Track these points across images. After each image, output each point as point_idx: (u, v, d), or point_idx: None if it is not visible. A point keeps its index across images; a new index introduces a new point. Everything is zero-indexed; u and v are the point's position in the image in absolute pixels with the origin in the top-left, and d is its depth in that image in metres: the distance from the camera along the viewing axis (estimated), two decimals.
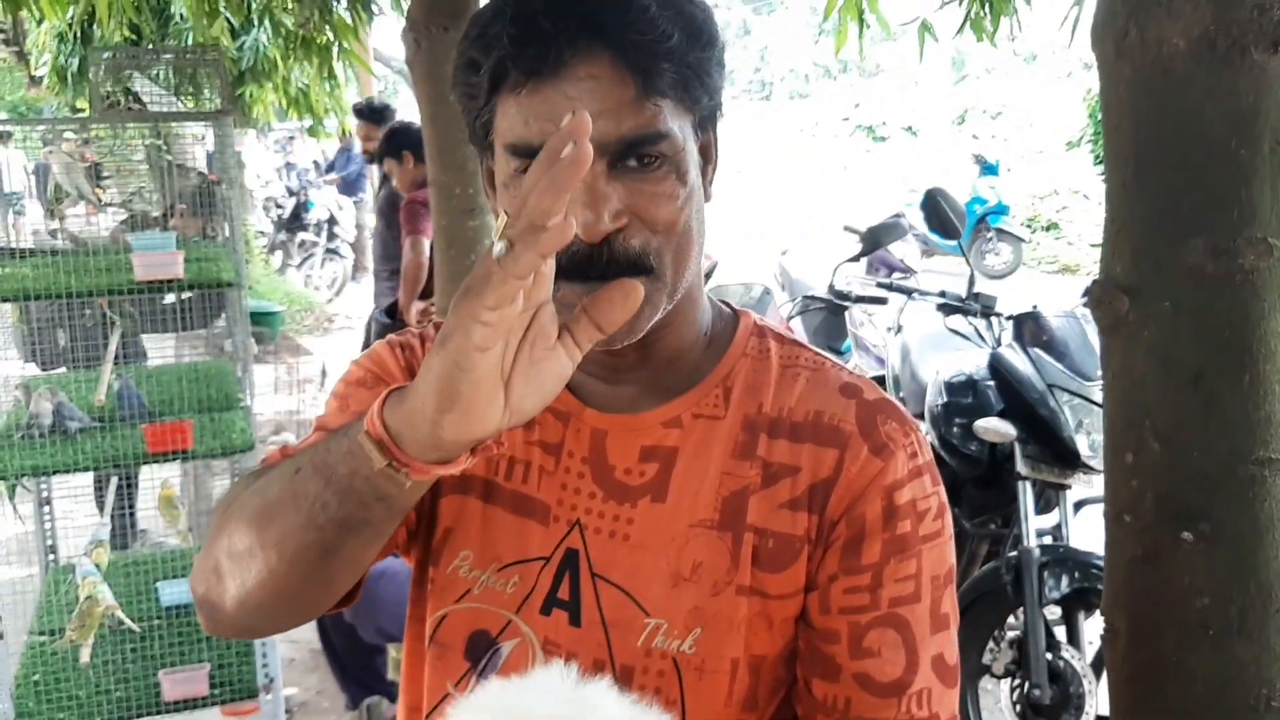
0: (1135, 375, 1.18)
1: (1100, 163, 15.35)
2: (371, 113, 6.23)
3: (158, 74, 5.81)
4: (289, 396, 6.18)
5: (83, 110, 7.44)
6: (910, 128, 21.88)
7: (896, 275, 6.51)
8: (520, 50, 0.90)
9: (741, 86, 31.07)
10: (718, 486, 1.01)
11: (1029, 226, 14.00)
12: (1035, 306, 3.65)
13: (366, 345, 5.22)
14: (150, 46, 5.94)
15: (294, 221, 11.83)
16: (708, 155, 1.01)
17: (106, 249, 2.50)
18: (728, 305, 1.11)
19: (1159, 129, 1.14)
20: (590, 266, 0.92)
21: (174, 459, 2.37)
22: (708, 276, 5.08)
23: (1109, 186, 1.20)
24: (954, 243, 4.76)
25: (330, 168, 13.09)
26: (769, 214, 14.27)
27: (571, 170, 0.69)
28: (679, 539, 1.01)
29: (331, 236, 11.60)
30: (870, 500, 0.99)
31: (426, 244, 4.88)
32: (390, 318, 5.18)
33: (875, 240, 4.67)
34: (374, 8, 5.03)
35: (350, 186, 12.35)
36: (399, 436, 0.81)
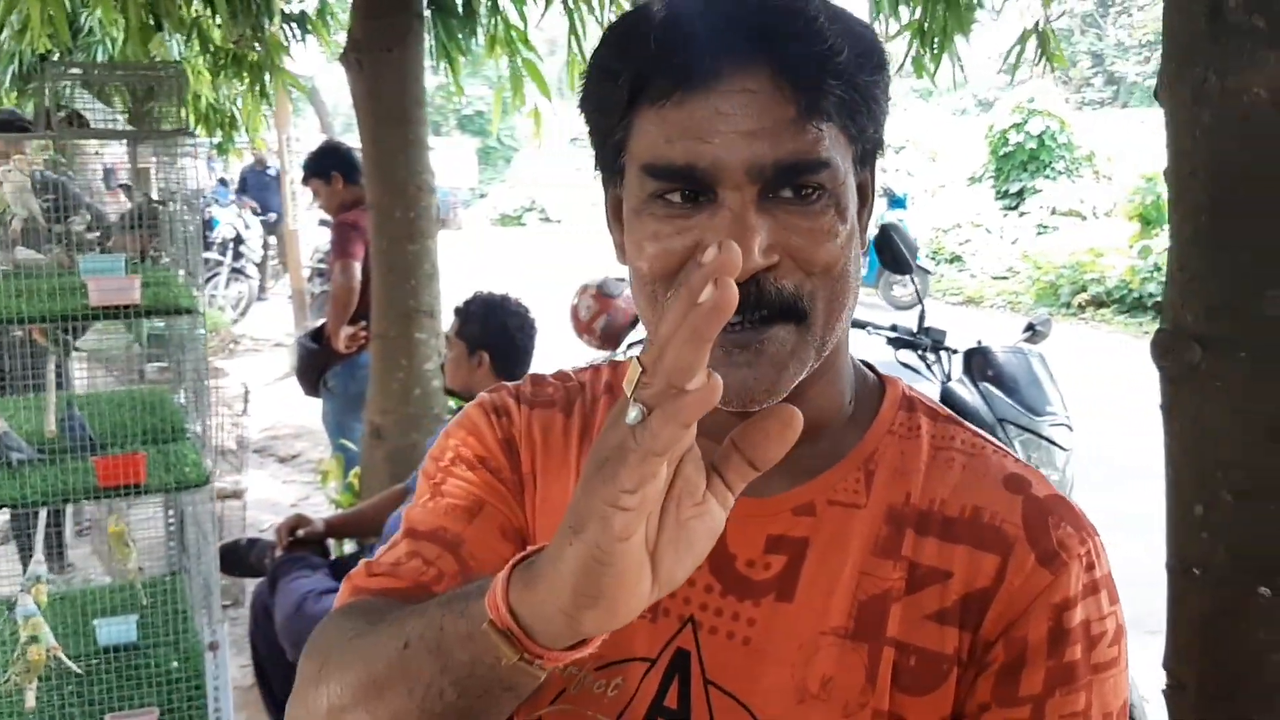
0: (1207, 426, 1.17)
1: (1004, 197, 15.83)
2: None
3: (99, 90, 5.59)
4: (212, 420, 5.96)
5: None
6: None
7: None
8: (668, 56, 0.79)
9: None
10: (854, 589, 0.87)
11: (933, 259, 14.31)
12: (980, 341, 3.69)
13: (297, 368, 5.08)
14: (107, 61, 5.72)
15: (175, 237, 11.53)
16: (864, 195, 0.88)
17: (54, 272, 2.36)
18: (872, 369, 0.97)
19: (1237, 178, 1.13)
20: (736, 309, 0.82)
21: (126, 494, 2.23)
22: None
23: (1178, 235, 1.18)
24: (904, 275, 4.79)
25: (243, 186, 12.82)
26: None
27: (714, 317, 0.58)
28: (806, 647, 0.86)
29: (237, 256, 11.31)
30: (1035, 620, 0.84)
31: (357, 267, 4.75)
32: (316, 342, 5.03)
33: None
34: (308, 26, 4.94)
35: (264, 206, 12.12)
36: (530, 629, 0.70)
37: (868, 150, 0.86)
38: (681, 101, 0.79)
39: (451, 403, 4.38)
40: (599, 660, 0.90)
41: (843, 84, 0.79)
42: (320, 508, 5.38)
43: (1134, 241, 12.76)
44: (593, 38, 4.71)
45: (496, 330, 3.24)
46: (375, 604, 0.92)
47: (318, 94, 12.83)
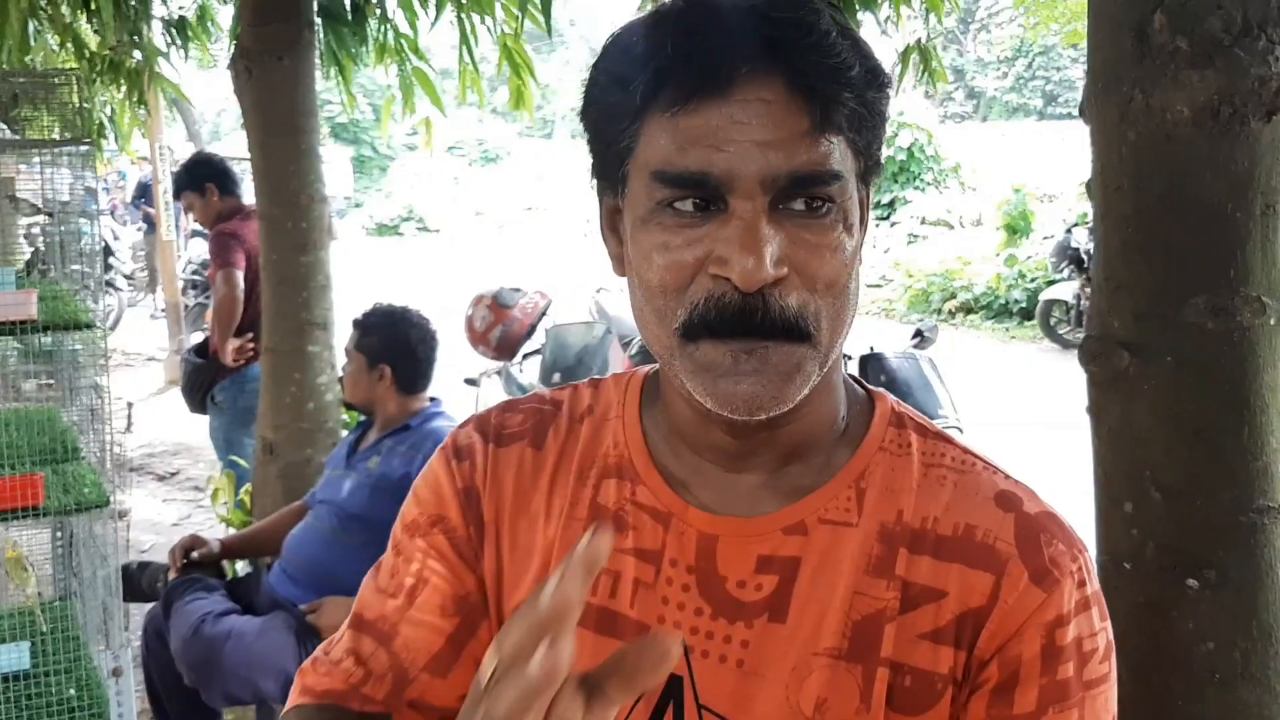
0: (1135, 428, 1.23)
1: (876, 208, 16.22)
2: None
3: None
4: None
5: None
6: None
7: None
8: (684, 63, 0.78)
9: (524, 124, 31.10)
10: (847, 608, 0.86)
11: None
12: (873, 348, 3.80)
13: (182, 384, 4.92)
14: None
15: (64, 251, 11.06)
16: (863, 213, 0.87)
17: None
18: (861, 385, 0.96)
19: (1160, 192, 1.19)
20: (742, 323, 0.79)
21: (23, 516, 2.13)
22: (543, 315, 5.05)
23: (1105, 246, 1.24)
24: None
25: (140, 193, 12.39)
26: (571, 251, 14.32)
27: (561, 627, 0.59)
28: (800, 668, 0.86)
29: (107, 268, 10.90)
30: (1028, 638, 0.84)
31: (239, 275, 4.64)
32: (201, 356, 4.89)
33: None
34: (188, 33, 4.79)
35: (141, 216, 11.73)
36: None
37: (869, 166, 0.85)
38: (696, 109, 0.78)
39: (346, 416, 4.30)
40: None
41: (854, 98, 0.80)
42: (204, 527, 5.22)
43: (1001, 250, 13.22)
44: (486, 46, 4.70)
45: (398, 343, 3.20)
46: (320, 716, 0.98)
47: (184, 102, 12.47)
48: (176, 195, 4.94)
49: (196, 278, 9.80)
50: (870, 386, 0.95)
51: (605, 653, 0.86)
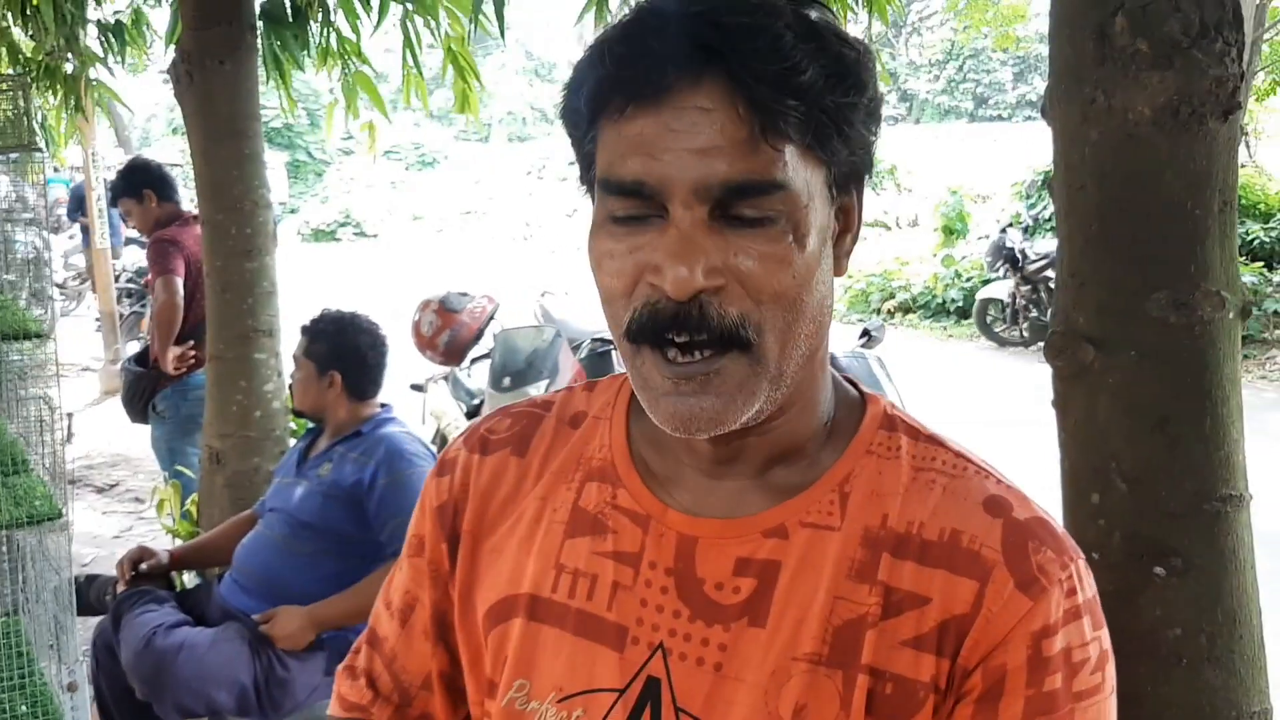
0: (1100, 421, 1.26)
1: None
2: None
3: None
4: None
5: None
6: None
7: None
8: (621, 70, 0.78)
9: (459, 128, 30.99)
10: (828, 614, 0.84)
11: None
12: None
13: (123, 394, 4.83)
14: None
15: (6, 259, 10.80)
16: (848, 220, 0.87)
17: None
18: (854, 386, 0.95)
19: (1122, 190, 1.22)
20: (674, 327, 0.79)
21: None
22: (491, 319, 5.03)
23: (1069, 244, 1.27)
24: None
25: (79, 208, 12.13)
26: (511, 255, 14.26)
27: None
28: (779, 674, 0.85)
29: (37, 278, 10.64)
30: (1014, 648, 0.82)
31: (179, 282, 4.56)
32: (142, 365, 4.81)
33: None
34: (125, 38, 4.70)
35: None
36: None
37: (845, 174, 0.84)
38: (634, 116, 0.78)
39: (293, 424, 4.25)
40: (560, 693, 0.90)
41: (805, 105, 0.77)
42: (146, 539, 5.12)
43: (938, 250, 13.41)
44: (429, 51, 4.67)
45: (348, 349, 3.17)
46: None
47: (113, 108, 12.24)
48: (114, 202, 4.84)
49: (131, 286, 9.61)
50: (865, 389, 0.95)
51: (584, 658, 0.90)
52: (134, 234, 10.86)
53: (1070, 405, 1.30)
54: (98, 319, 9.07)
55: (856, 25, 4.54)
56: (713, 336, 0.79)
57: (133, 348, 8.86)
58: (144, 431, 5.06)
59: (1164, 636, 1.24)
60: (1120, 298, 1.23)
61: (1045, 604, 0.82)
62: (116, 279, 9.28)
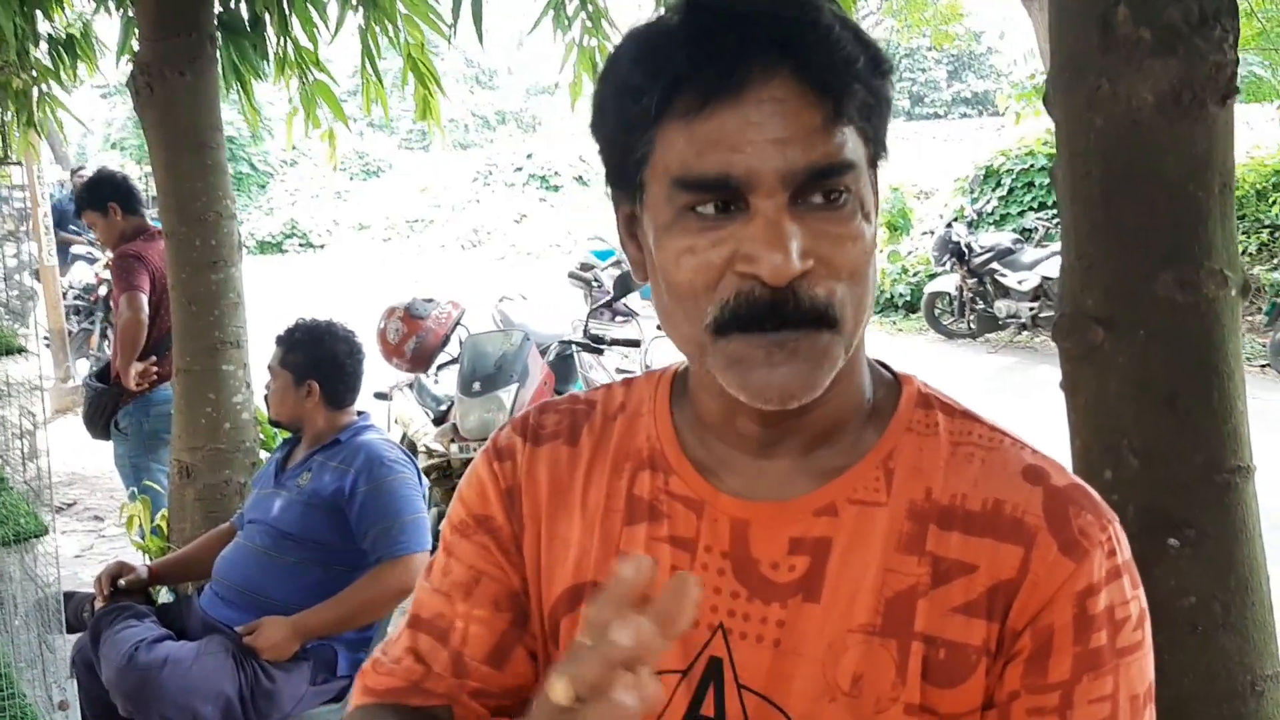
0: (1110, 399, 1.30)
1: None
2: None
3: None
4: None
5: None
6: (580, 177, 22.51)
7: (619, 317, 6.71)
8: (697, 69, 0.80)
9: (401, 136, 30.79)
10: (880, 586, 0.88)
11: None
12: None
13: (85, 411, 4.75)
14: None
15: None
16: (875, 199, 0.89)
17: None
18: (887, 368, 0.98)
19: (1127, 175, 1.26)
20: (774, 317, 0.82)
21: None
22: (457, 324, 5.01)
23: (1076, 228, 1.31)
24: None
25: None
26: (462, 261, 14.20)
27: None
28: (836, 646, 0.88)
29: (21, 296, 10.43)
30: (1060, 608, 0.86)
31: (143, 299, 4.51)
32: (103, 381, 4.74)
33: (625, 286, 4.79)
34: (77, 52, 4.65)
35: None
36: None
37: (878, 152, 0.87)
38: (713, 114, 0.80)
39: (263, 435, 4.22)
40: None
41: (862, 88, 0.82)
42: (108, 557, 5.05)
43: (884, 247, 13.54)
44: (390, 58, 4.66)
45: (325, 358, 3.16)
46: (382, 713, 1.01)
47: (50, 123, 12.03)
48: (77, 214, 4.76)
49: (79, 303, 9.45)
50: (897, 370, 0.98)
51: None
52: (80, 251, 10.68)
53: (1080, 385, 1.33)
54: (46, 337, 8.90)
55: None
56: (806, 321, 0.82)
57: (82, 365, 8.72)
58: (101, 449, 4.98)
59: (1179, 605, 1.28)
60: (1128, 279, 1.27)
61: (1088, 565, 0.86)
62: (64, 296, 9.12)
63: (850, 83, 0.81)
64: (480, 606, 1.01)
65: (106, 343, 8.34)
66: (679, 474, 0.96)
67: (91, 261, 10.08)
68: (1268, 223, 10.58)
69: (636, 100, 0.83)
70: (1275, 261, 8.79)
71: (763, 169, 0.80)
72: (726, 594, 0.91)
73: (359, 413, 3.23)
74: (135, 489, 4.46)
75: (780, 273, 0.80)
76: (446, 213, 22.21)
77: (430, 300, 4.87)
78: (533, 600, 1.01)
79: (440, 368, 5.15)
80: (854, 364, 0.91)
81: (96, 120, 25.22)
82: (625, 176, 0.89)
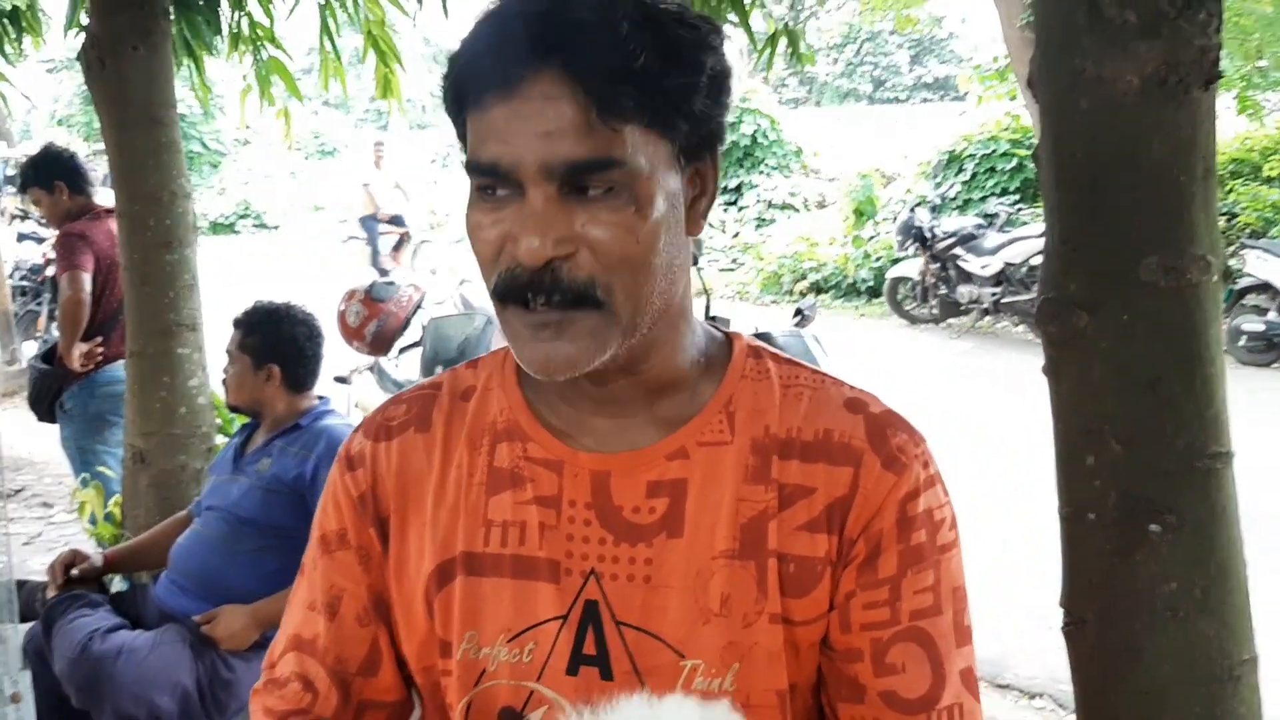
0: (1093, 384, 1.29)
1: (724, 193, 16.45)
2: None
3: None
4: None
5: None
6: None
7: None
8: (475, 66, 0.91)
9: (358, 115, 30.48)
10: (734, 515, 0.99)
11: None
12: (758, 328, 3.87)
13: (31, 393, 4.65)
14: None
15: None
16: (703, 183, 0.98)
17: None
18: (717, 327, 1.09)
19: (1112, 158, 1.25)
20: (531, 291, 0.91)
21: None
22: (418, 308, 4.96)
23: (1059, 212, 1.30)
24: None
25: None
26: (420, 242, 14.08)
27: None
28: (703, 573, 0.98)
29: None
30: (886, 514, 0.98)
31: (86, 279, 4.42)
32: (48, 362, 4.65)
33: None
34: (22, 24, 4.52)
35: None
36: None
37: (693, 145, 0.95)
38: (490, 106, 0.90)
39: (219, 419, 4.14)
40: (508, 634, 1.01)
41: (639, 88, 0.88)
42: (57, 545, 4.97)
43: (849, 232, 13.59)
44: (346, 36, 4.58)
45: (284, 341, 3.10)
46: None
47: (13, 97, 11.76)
48: (22, 190, 4.66)
49: (25, 283, 9.26)
50: (727, 329, 1.09)
51: (525, 597, 1.00)
52: (26, 230, 10.47)
53: (1063, 370, 1.32)
54: None
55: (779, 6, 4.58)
56: (565, 298, 0.91)
57: (29, 347, 8.55)
58: (49, 434, 4.88)
59: (1160, 591, 1.28)
60: (1112, 264, 1.26)
61: (907, 476, 0.99)
62: (10, 276, 8.94)
63: (619, 83, 0.87)
64: (347, 624, 1.09)
65: (54, 324, 8.18)
66: (535, 440, 1.04)
67: (39, 241, 9.89)
68: (1224, 211, 10.73)
69: (449, 91, 0.94)
70: (1231, 249, 8.90)
71: (525, 159, 0.88)
72: (595, 541, 1.00)
73: (319, 397, 3.18)
74: (87, 474, 4.37)
75: (533, 254, 0.89)
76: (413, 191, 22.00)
77: (391, 283, 4.82)
78: (392, 588, 1.08)
79: (401, 351, 5.10)
80: (674, 328, 1.01)
81: (43, 96, 24.73)
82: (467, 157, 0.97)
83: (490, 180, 0.91)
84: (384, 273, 6.98)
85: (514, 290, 0.92)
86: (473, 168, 0.92)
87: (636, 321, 0.94)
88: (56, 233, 4.68)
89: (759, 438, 1.00)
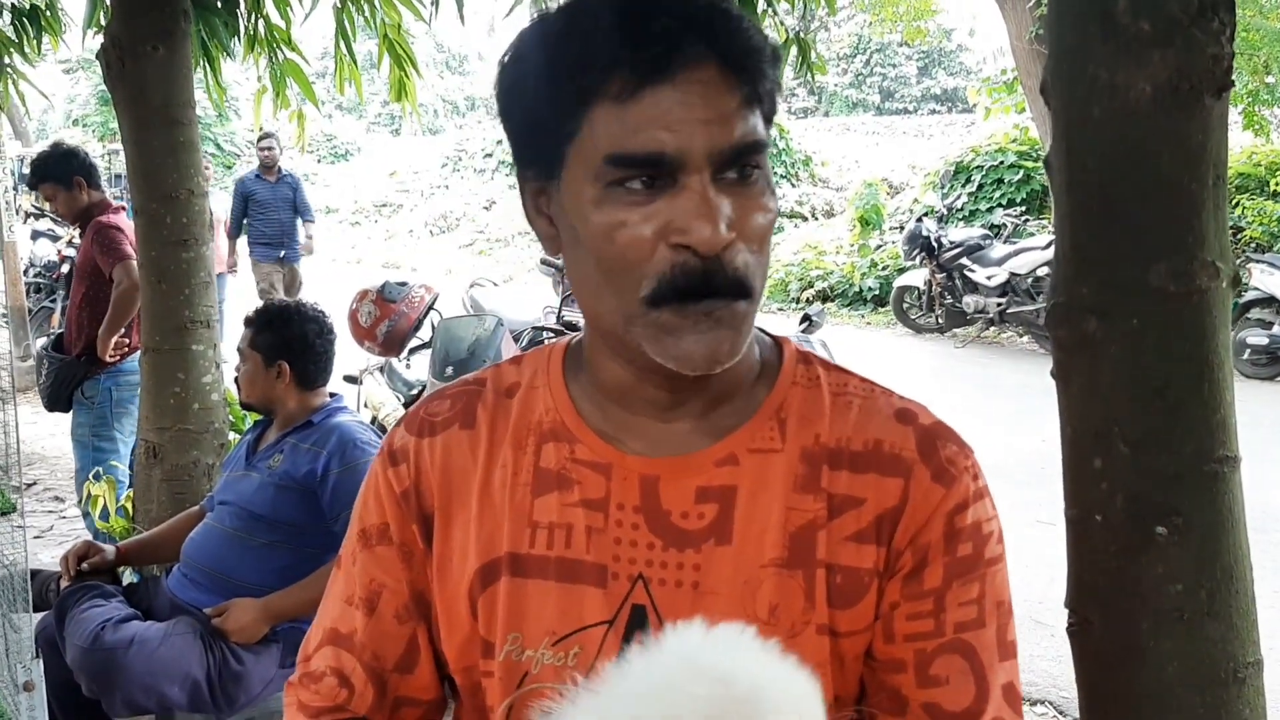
0: (1102, 388, 1.31)
1: None
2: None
3: None
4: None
5: None
6: None
7: None
8: (634, 52, 0.86)
9: (370, 120, 30.52)
10: (784, 523, 0.97)
11: None
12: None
13: (49, 382, 4.67)
14: None
15: None
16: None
17: None
18: (765, 332, 1.08)
19: (1124, 166, 1.27)
20: (703, 286, 0.89)
21: None
22: (430, 308, 4.98)
23: (1070, 219, 1.32)
24: None
25: None
26: (431, 246, 14.12)
27: None
28: (751, 581, 0.96)
29: None
30: (934, 526, 0.97)
31: (135, 265, 4.46)
32: (58, 351, 4.68)
33: None
34: (42, 24, 4.56)
35: None
36: None
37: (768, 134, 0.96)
38: (645, 96, 0.87)
39: (231, 416, 4.17)
40: (553, 637, 0.99)
41: (768, 74, 0.91)
42: (69, 539, 4.99)
43: (855, 240, 13.60)
44: (359, 41, 4.61)
45: (296, 338, 3.12)
46: None
47: (11, 97, 11.80)
48: (35, 185, 4.69)
49: (40, 280, 9.31)
50: (772, 332, 1.08)
51: (571, 600, 0.98)
52: (41, 227, 10.51)
53: (1072, 374, 1.34)
54: (4, 313, 8.77)
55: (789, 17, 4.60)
56: (732, 290, 0.90)
57: (42, 344, 8.58)
58: (61, 430, 4.90)
59: (1166, 593, 1.29)
60: (1123, 270, 1.28)
61: (957, 488, 0.98)
62: (25, 273, 8.98)
63: (762, 68, 0.90)
64: (385, 620, 1.07)
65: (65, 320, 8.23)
66: (583, 441, 1.02)
67: (54, 239, 9.93)
68: (1230, 225, 10.72)
69: (569, 81, 0.89)
70: (1236, 261, 8.89)
71: (692, 147, 0.87)
72: (643, 545, 0.98)
73: (331, 394, 3.20)
74: (100, 467, 4.39)
75: (712, 243, 0.87)
76: (415, 198, 22.07)
77: (403, 283, 4.85)
78: (435, 585, 1.06)
79: (412, 351, 5.12)
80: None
81: (58, 95, 24.83)
82: (543, 154, 0.94)
83: (639, 171, 0.88)
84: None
85: (689, 287, 0.88)
86: (619, 160, 0.88)
87: (758, 307, 0.94)
88: (73, 228, 4.71)
89: (809, 446, 0.99)
